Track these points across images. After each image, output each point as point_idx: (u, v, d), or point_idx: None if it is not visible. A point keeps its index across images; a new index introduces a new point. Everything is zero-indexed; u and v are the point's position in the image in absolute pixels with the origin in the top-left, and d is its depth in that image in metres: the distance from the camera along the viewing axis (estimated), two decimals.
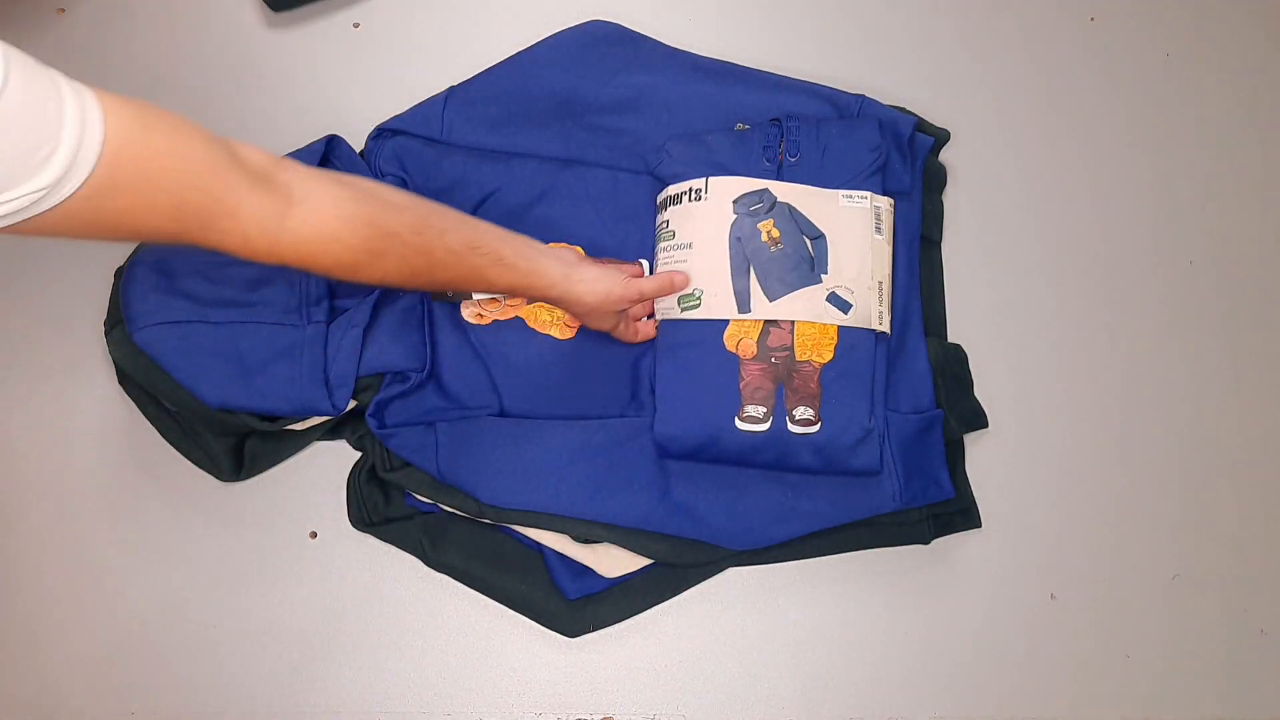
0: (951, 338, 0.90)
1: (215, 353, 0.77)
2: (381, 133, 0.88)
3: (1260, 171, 0.96)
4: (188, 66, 0.94)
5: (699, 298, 0.82)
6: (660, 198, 0.86)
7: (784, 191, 0.82)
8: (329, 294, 0.81)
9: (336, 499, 0.85)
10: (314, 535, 0.86)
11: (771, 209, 0.82)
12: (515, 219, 0.87)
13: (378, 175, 0.87)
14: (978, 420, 0.87)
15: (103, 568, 0.84)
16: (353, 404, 0.81)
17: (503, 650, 0.85)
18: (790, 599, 0.86)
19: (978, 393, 0.89)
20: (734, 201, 0.82)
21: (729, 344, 0.81)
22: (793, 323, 0.81)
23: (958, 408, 0.86)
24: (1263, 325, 0.93)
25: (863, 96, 0.89)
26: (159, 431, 0.83)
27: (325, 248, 0.62)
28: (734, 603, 0.86)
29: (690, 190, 0.83)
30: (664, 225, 0.85)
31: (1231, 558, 0.88)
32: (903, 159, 0.87)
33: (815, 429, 0.80)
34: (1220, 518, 0.89)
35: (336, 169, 0.85)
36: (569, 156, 0.88)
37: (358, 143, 0.89)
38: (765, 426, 0.79)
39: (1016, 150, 0.96)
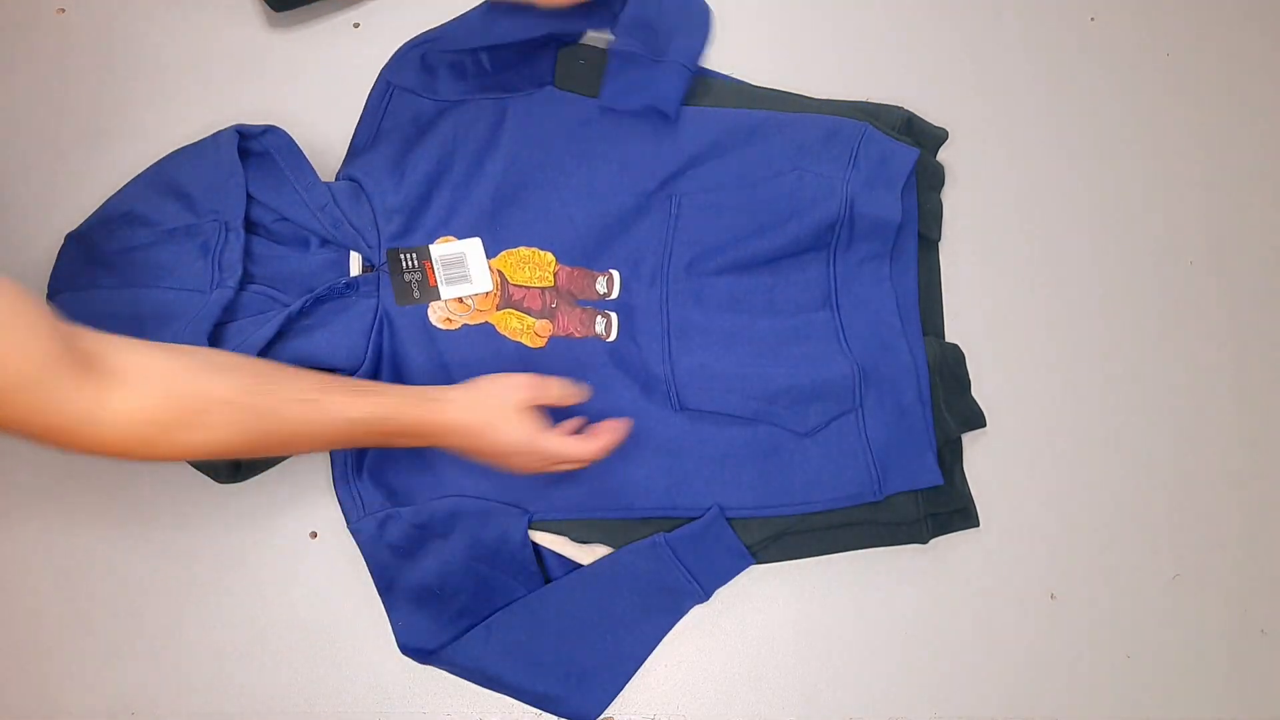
0: (950, 337, 0.90)
1: (115, 317, 0.76)
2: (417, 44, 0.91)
3: (1260, 171, 0.96)
4: (188, 66, 0.94)
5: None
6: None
7: None
8: (244, 267, 0.80)
9: (336, 499, 0.85)
10: (314, 535, 0.86)
11: None
12: (488, 216, 0.87)
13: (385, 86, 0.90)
14: (976, 420, 0.87)
15: (102, 568, 0.84)
16: None
17: None
18: (790, 599, 0.86)
19: (976, 393, 0.89)
20: None
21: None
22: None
23: (956, 407, 0.86)
24: (1263, 325, 0.93)
25: (866, 126, 0.88)
26: None
27: (151, 417, 0.59)
28: (734, 603, 0.86)
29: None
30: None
31: (1231, 558, 0.88)
32: (888, 188, 0.87)
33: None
34: (1220, 518, 0.89)
35: (275, 161, 0.84)
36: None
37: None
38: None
39: (1016, 150, 0.96)
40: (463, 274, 0.85)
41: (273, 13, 0.94)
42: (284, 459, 0.85)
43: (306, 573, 0.85)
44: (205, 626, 0.84)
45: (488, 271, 0.86)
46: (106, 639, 0.83)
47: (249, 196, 0.83)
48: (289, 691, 0.83)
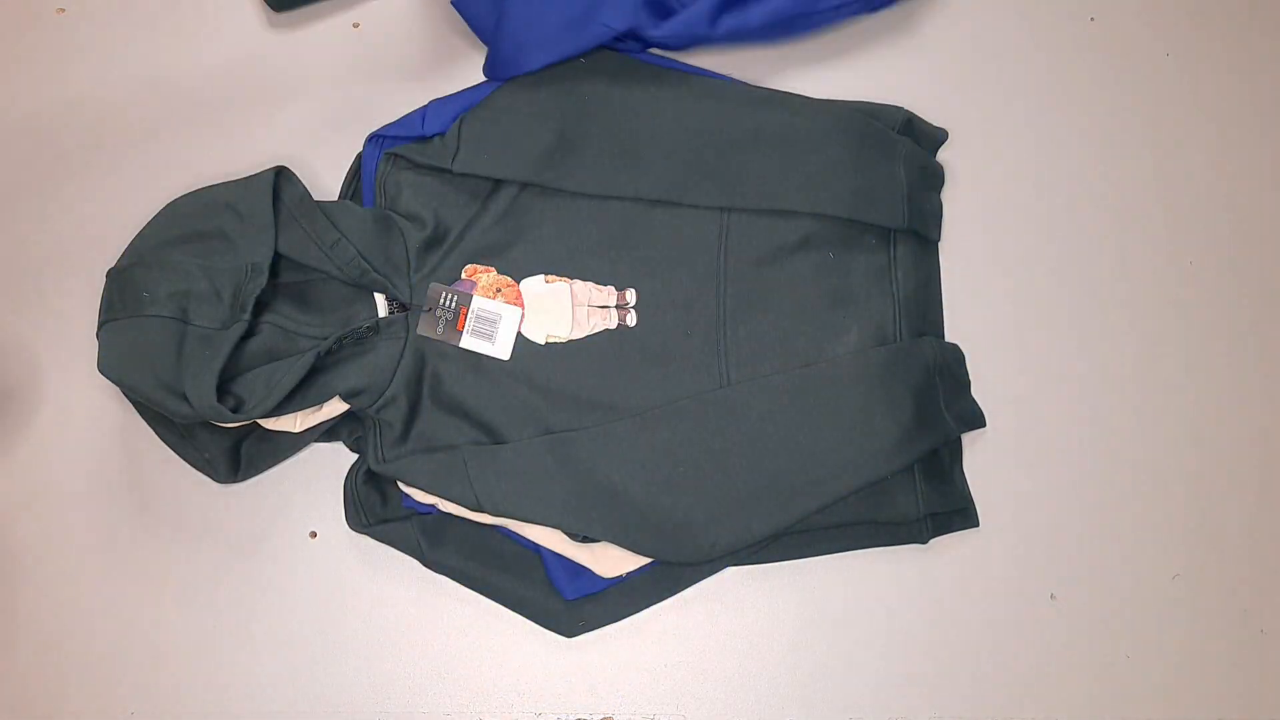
0: (949, 337, 0.90)
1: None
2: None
3: (1261, 171, 0.96)
4: (188, 66, 0.94)
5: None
6: None
7: None
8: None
9: (336, 499, 0.85)
10: (314, 535, 0.86)
11: None
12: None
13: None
14: (975, 420, 0.87)
15: (102, 568, 0.84)
16: (346, 406, 0.81)
17: (503, 650, 0.85)
18: (790, 599, 0.86)
19: (976, 393, 0.89)
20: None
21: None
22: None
23: (956, 407, 0.86)
24: (1263, 325, 0.93)
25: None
26: (157, 434, 0.83)
27: None
28: (734, 603, 0.86)
29: None
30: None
31: (1231, 558, 0.88)
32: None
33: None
34: (1220, 518, 0.89)
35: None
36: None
37: (357, 142, 0.89)
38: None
39: (1016, 150, 0.96)
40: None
41: (273, 13, 0.94)
42: (284, 459, 0.85)
43: (306, 573, 0.85)
44: (205, 626, 0.84)
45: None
46: (106, 639, 0.83)
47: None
48: (289, 692, 0.83)
